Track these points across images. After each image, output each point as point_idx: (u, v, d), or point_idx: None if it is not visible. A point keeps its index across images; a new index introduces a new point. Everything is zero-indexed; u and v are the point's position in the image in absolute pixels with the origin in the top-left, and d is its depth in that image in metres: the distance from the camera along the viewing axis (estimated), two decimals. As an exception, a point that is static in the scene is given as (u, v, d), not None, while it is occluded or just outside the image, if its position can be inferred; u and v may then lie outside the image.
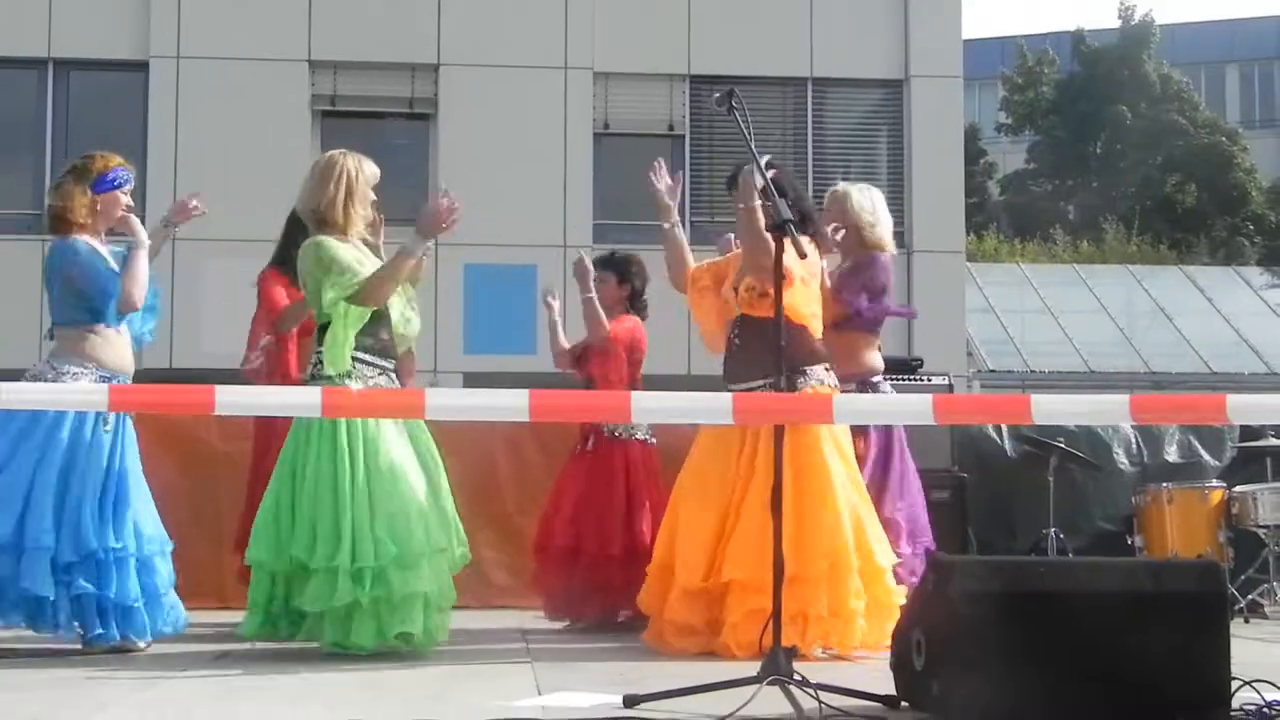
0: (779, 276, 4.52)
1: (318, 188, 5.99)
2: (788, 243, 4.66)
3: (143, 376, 6.53)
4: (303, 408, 4.80)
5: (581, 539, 7.36)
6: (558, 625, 7.32)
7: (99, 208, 6.13)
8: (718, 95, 4.92)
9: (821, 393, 5.85)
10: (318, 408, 4.33)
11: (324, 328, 5.86)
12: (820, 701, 4.08)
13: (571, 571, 7.36)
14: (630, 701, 4.19)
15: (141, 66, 17.47)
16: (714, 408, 4.15)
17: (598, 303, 7.48)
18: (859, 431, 6.29)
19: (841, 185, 7.02)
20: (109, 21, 17.45)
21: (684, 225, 19.49)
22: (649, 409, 4.72)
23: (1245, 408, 4.26)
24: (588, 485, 7.46)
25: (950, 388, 9.44)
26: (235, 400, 4.07)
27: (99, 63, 17.69)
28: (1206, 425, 9.96)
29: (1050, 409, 4.90)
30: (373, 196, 6.08)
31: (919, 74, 18.30)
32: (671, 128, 18.22)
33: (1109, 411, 5.33)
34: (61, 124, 17.72)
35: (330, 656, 5.60)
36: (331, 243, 5.87)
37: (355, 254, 5.93)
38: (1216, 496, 8.87)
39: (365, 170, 6.06)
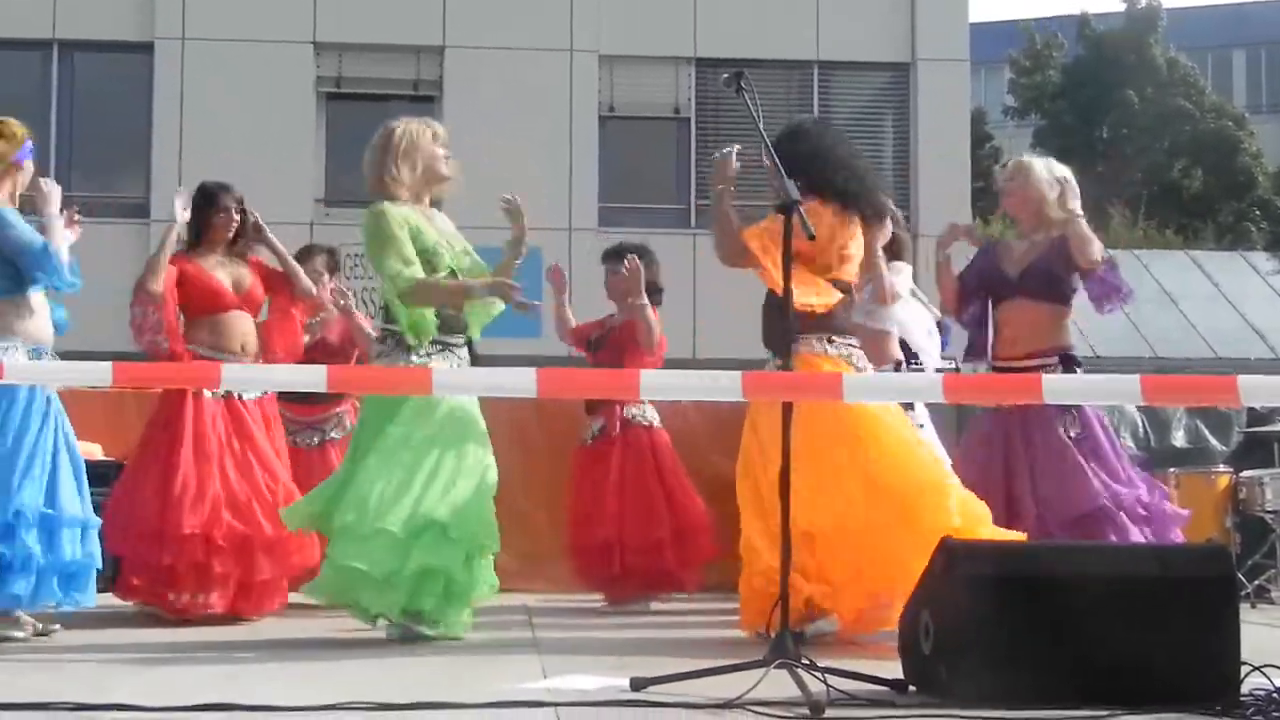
0: (788, 257, 4.50)
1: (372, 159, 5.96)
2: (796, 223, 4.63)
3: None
4: (307, 384, 4.78)
5: (625, 528, 7.41)
6: (572, 604, 7.35)
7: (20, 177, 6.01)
8: (726, 76, 4.89)
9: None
10: (323, 383, 4.29)
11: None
12: (828, 685, 4.06)
13: (615, 561, 7.42)
14: (637, 684, 4.17)
15: (147, 48, 17.45)
16: (721, 386, 4.12)
17: (650, 311, 7.50)
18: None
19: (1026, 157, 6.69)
20: (114, 3, 17.43)
21: (691, 208, 19.37)
22: (656, 386, 4.70)
23: (1256, 388, 4.24)
24: (618, 473, 7.51)
25: (957, 371, 9.40)
26: (240, 377, 4.04)
27: (104, 44, 17.67)
28: (1214, 411, 9.96)
29: (1061, 388, 4.88)
30: (440, 153, 6.00)
31: (925, 57, 18.25)
32: (677, 110, 18.18)
33: (1120, 391, 5.31)
34: (66, 106, 17.71)
35: (334, 642, 5.60)
36: (389, 212, 5.81)
37: (415, 223, 5.86)
38: (1223, 482, 8.87)
39: (422, 132, 5.99)
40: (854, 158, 5.96)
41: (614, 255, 7.73)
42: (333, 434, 7.54)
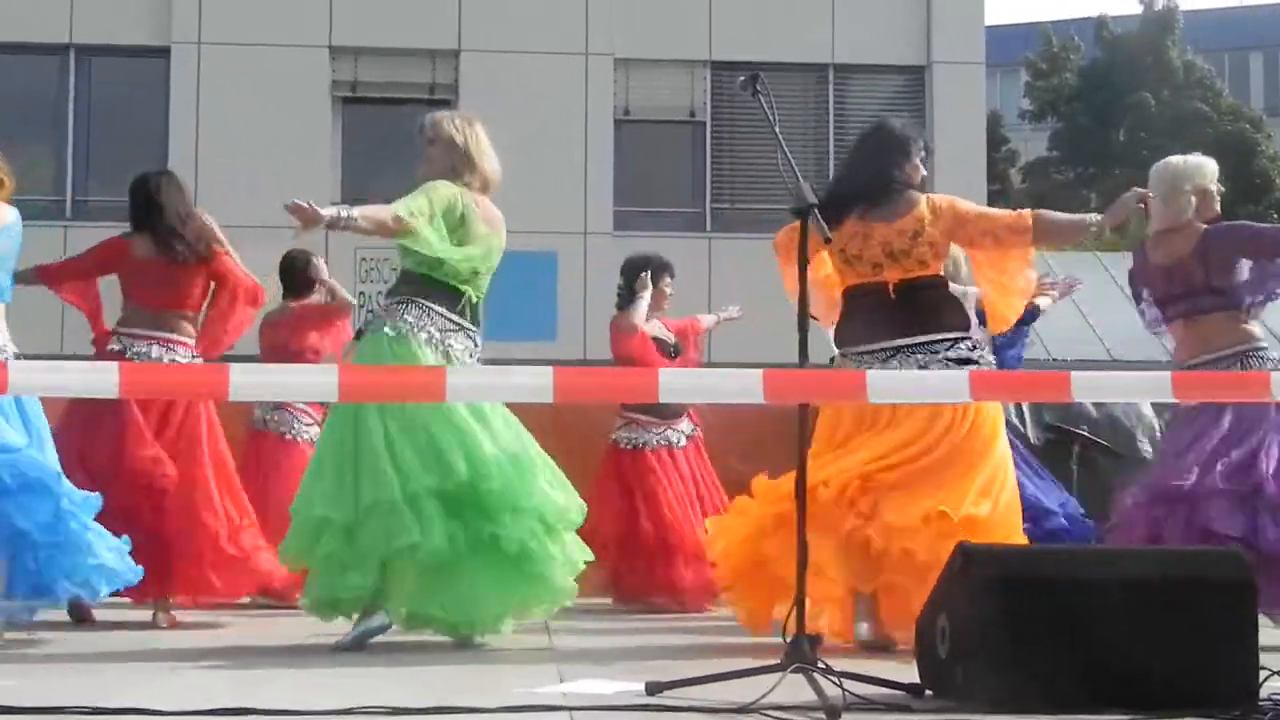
0: (804, 259, 4.49)
1: None
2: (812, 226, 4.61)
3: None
4: (319, 388, 4.74)
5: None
6: (588, 606, 7.40)
7: None
8: (742, 79, 4.87)
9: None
10: (335, 389, 4.24)
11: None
12: (844, 689, 4.04)
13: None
14: (653, 689, 4.16)
15: (163, 52, 17.48)
16: (742, 387, 4.10)
17: None
18: None
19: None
20: (131, 7, 17.45)
21: (706, 212, 19.29)
22: (676, 388, 4.68)
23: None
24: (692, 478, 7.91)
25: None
26: (250, 381, 4.01)
27: (121, 48, 17.69)
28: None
29: (1090, 385, 4.82)
30: None
31: (941, 60, 18.21)
32: (692, 114, 18.16)
33: (1149, 388, 5.27)
34: (84, 110, 17.76)
35: (347, 647, 5.60)
36: None
37: None
38: (1242, 484, 8.80)
39: None
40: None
41: (666, 267, 7.87)
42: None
